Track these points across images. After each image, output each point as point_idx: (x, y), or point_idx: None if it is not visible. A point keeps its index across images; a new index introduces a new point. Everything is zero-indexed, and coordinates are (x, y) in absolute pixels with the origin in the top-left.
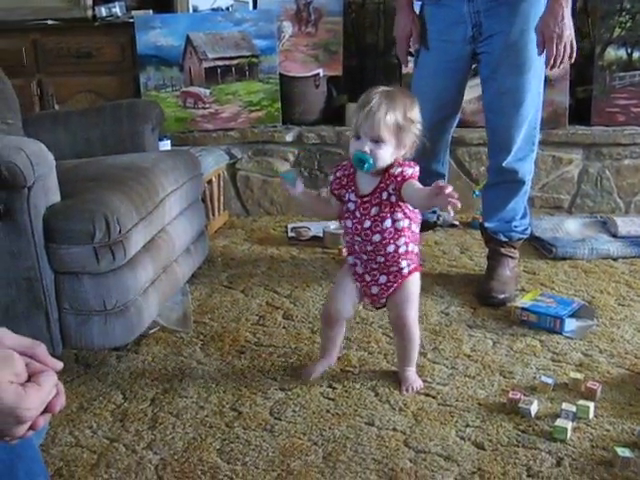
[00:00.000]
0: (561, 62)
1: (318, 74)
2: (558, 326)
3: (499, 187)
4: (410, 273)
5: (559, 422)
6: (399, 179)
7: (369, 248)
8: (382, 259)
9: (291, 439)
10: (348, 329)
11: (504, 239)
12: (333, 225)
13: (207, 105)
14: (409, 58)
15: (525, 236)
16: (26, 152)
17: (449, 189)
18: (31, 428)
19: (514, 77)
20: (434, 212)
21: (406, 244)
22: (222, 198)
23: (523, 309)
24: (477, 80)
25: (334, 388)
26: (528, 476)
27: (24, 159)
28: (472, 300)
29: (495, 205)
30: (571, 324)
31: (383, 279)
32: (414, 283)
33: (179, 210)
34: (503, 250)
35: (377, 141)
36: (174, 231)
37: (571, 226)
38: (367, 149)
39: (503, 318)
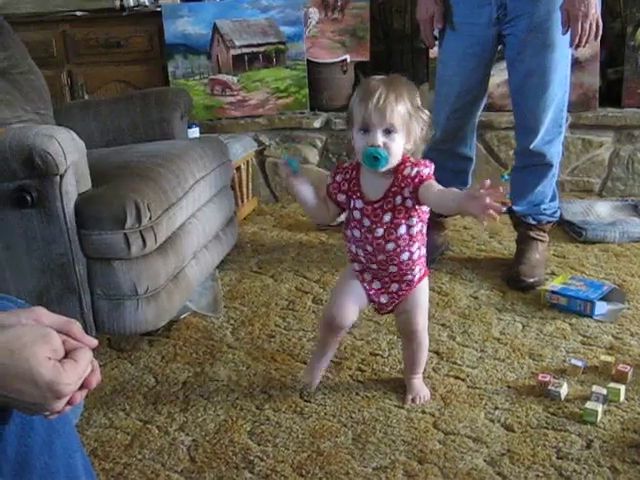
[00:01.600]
0: (586, 41)
1: (345, 60)
2: (588, 309)
3: (527, 170)
4: (420, 279)
5: (589, 405)
6: (416, 181)
7: (381, 258)
8: (395, 269)
9: (321, 421)
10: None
11: (533, 222)
12: None
13: (235, 92)
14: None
15: (554, 219)
16: (58, 140)
17: (488, 198)
18: (69, 403)
19: (540, 59)
20: None
21: (419, 248)
22: (251, 185)
23: (553, 292)
24: (505, 63)
25: (363, 371)
26: (558, 458)
27: (56, 147)
28: (501, 284)
29: (523, 188)
30: (602, 307)
31: (395, 287)
32: (423, 289)
33: (208, 197)
34: (532, 233)
35: (390, 131)
36: (204, 217)
37: (602, 209)
38: (380, 142)
39: (532, 302)
